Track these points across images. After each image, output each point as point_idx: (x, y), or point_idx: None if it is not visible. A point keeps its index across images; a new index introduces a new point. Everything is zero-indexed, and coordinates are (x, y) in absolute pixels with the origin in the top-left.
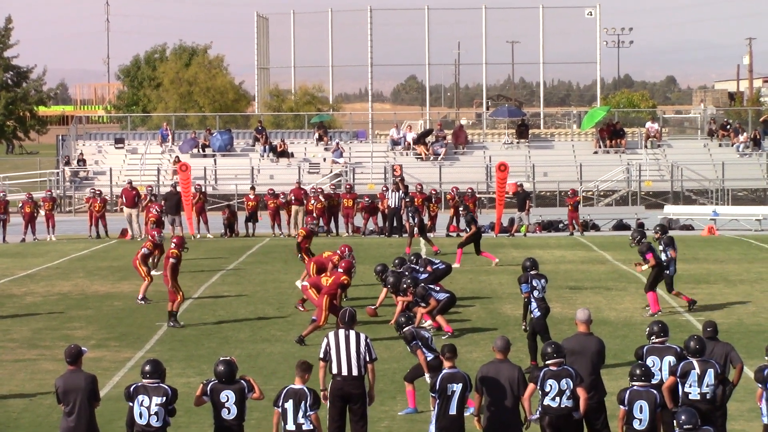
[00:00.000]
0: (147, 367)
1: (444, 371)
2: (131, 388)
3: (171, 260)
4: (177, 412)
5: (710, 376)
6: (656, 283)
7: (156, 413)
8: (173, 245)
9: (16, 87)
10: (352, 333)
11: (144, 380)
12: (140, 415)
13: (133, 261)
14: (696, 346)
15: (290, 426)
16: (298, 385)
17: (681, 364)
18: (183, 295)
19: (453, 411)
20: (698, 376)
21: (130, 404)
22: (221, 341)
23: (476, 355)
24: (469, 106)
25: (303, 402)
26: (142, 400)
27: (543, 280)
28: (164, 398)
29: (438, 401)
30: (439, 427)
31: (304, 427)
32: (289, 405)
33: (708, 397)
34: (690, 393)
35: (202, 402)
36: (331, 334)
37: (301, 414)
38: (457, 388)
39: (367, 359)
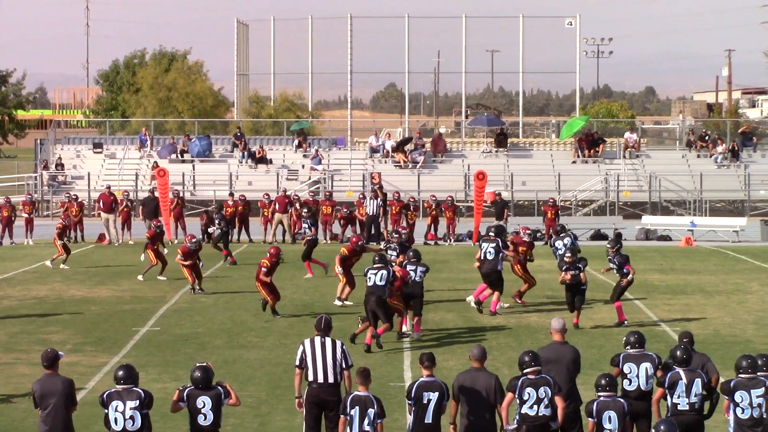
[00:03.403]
0: (120, 372)
1: (421, 379)
2: (104, 395)
3: (263, 269)
4: (153, 417)
5: (698, 386)
6: (622, 293)
7: (131, 417)
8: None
9: None
10: (328, 340)
11: (117, 386)
12: (115, 421)
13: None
14: (683, 356)
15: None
16: (363, 392)
17: (668, 375)
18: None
19: (429, 420)
20: (686, 386)
21: (105, 411)
22: (198, 347)
23: (452, 363)
24: (448, 115)
25: (370, 410)
26: (117, 406)
27: None
28: (137, 401)
29: (414, 409)
30: None
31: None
32: (355, 412)
33: (696, 407)
34: (679, 404)
35: (179, 408)
36: (307, 341)
37: (366, 422)
38: (434, 396)
39: (344, 366)
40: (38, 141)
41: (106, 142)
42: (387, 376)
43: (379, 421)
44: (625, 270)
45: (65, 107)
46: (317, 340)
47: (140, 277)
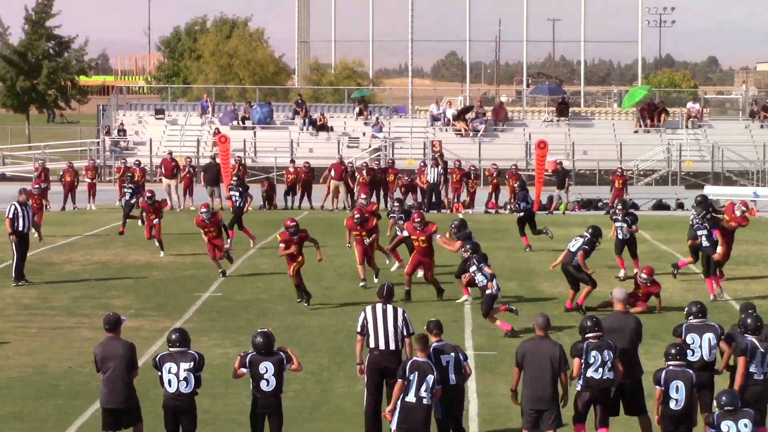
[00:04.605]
0: (173, 336)
1: (434, 345)
2: (157, 358)
3: (281, 244)
4: (215, 383)
5: None
6: (712, 264)
7: (185, 379)
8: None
9: (57, 57)
10: (390, 307)
11: (171, 348)
12: (169, 383)
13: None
14: (756, 324)
15: (410, 398)
16: (422, 358)
17: (748, 345)
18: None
19: (453, 381)
20: (762, 354)
21: (159, 373)
22: (258, 313)
23: None
24: (509, 84)
25: (429, 376)
26: (170, 368)
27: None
28: (192, 363)
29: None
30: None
31: (425, 401)
32: (414, 377)
33: None
34: (755, 373)
35: (241, 374)
36: (369, 308)
37: (424, 388)
38: (451, 358)
39: (404, 333)
40: (100, 107)
41: (168, 109)
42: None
43: (437, 387)
44: (714, 237)
45: (127, 73)
46: (379, 307)
47: (162, 254)
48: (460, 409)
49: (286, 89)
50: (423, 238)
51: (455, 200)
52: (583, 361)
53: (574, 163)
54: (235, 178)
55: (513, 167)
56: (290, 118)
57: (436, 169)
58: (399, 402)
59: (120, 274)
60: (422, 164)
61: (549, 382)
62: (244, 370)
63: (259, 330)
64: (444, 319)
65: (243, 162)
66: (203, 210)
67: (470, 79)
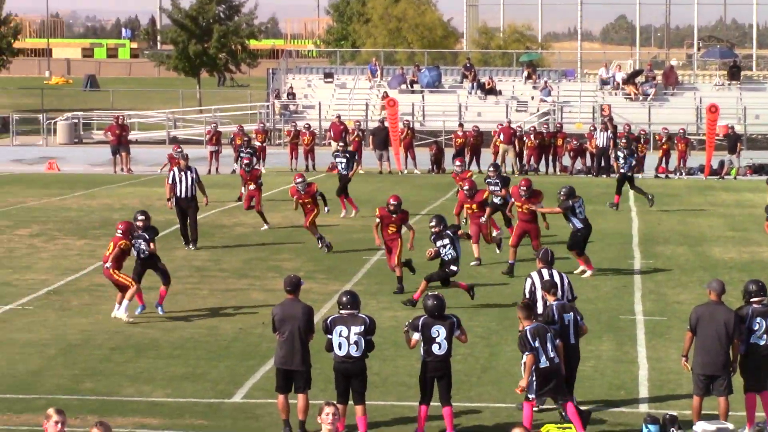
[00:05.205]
0: (344, 298)
1: (555, 303)
2: (328, 320)
3: (376, 219)
4: (384, 345)
5: None
6: None
7: (356, 342)
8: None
9: (228, 20)
10: (555, 272)
11: (341, 311)
12: (339, 346)
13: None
14: None
15: (543, 363)
16: (532, 324)
17: None
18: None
19: (572, 340)
20: None
21: (329, 336)
22: None
23: (684, 297)
24: (680, 47)
25: (548, 335)
26: (341, 331)
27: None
28: (362, 327)
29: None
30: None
31: (556, 361)
32: (538, 343)
33: None
34: None
35: (416, 343)
36: (534, 274)
37: (550, 348)
38: (570, 317)
39: (569, 298)
40: (270, 70)
41: (337, 72)
42: (618, 309)
43: (558, 341)
44: None
45: (296, 37)
46: (545, 272)
47: (265, 227)
48: (574, 370)
49: (455, 53)
50: (528, 205)
51: (660, 163)
52: (746, 327)
53: (746, 128)
54: (341, 144)
55: (681, 131)
56: (459, 82)
57: (605, 133)
58: (534, 372)
59: (290, 236)
60: (592, 128)
61: (723, 348)
62: (416, 336)
63: (430, 293)
64: (613, 285)
65: (411, 126)
66: (298, 180)
67: (640, 42)
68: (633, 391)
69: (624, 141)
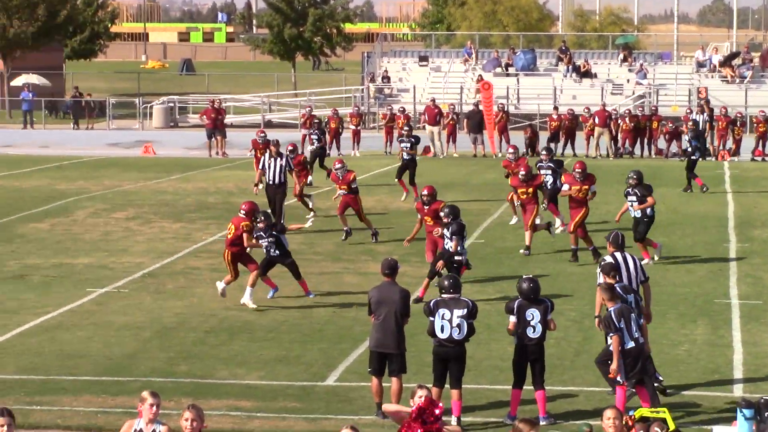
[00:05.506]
0: (446, 282)
1: (616, 285)
2: (431, 303)
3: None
4: (477, 328)
5: None
6: None
7: (458, 325)
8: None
9: (323, 4)
10: (628, 255)
11: (443, 294)
12: (441, 329)
13: None
14: None
15: (629, 344)
16: (616, 305)
17: None
18: None
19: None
20: None
21: (431, 319)
22: (522, 261)
23: None
24: None
25: (632, 314)
26: (444, 314)
27: None
28: (465, 310)
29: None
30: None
31: (641, 341)
32: (623, 323)
33: None
34: None
35: (514, 327)
36: (609, 258)
37: (634, 328)
38: (632, 298)
39: (641, 279)
40: (365, 54)
41: (432, 56)
42: (713, 293)
43: (642, 320)
44: None
45: (392, 20)
46: (618, 255)
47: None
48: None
49: (550, 36)
50: (584, 188)
51: (721, 148)
52: None
53: None
54: (406, 128)
55: None
56: (554, 65)
57: (701, 115)
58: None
59: (383, 220)
60: (688, 111)
61: None
62: (513, 319)
63: (524, 276)
64: (708, 268)
65: (506, 109)
66: (337, 166)
67: (737, 24)
68: (728, 375)
69: (692, 123)
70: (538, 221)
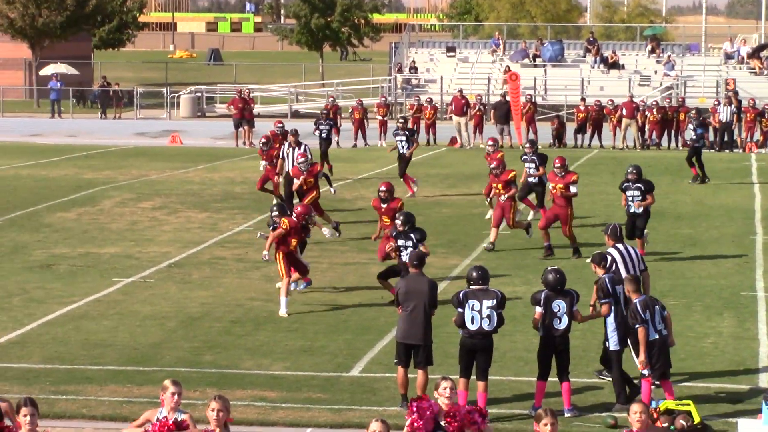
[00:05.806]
0: (474, 273)
1: (605, 276)
2: (460, 294)
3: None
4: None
5: None
6: None
7: (488, 316)
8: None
9: None
10: (629, 246)
11: (472, 286)
12: (471, 320)
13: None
14: None
15: (653, 336)
16: (640, 296)
17: None
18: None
19: (625, 312)
20: None
21: (460, 310)
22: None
23: None
24: None
25: (656, 306)
26: (473, 305)
27: None
28: (494, 301)
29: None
30: None
31: (664, 333)
32: (648, 315)
33: None
34: None
35: (540, 316)
36: (614, 250)
37: (658, 320)
38: (620, 289)
39: (641, 268)
40: (392, 44)
41: (459, 46)
42: (739, 285)
43: (666, 312)
44: None
45: (419, 11)
46: (621, 247)
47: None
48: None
49: (578, 27)
50: (561, 185)
51: (748, 140)
52: None
53: None
54: (401, 121)
55: None
56: (581, 56)
57: (729, 107)
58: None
59: (411, 210)
60: (716, 103)
61: None
62: (539, 310)
63: (549, 267)
64: (734, 261)
65: (533, 100)
66: (300, 160)
67: (766, 16)
68: (753, 368)
69: (695, 112)
70: (526, 217)
